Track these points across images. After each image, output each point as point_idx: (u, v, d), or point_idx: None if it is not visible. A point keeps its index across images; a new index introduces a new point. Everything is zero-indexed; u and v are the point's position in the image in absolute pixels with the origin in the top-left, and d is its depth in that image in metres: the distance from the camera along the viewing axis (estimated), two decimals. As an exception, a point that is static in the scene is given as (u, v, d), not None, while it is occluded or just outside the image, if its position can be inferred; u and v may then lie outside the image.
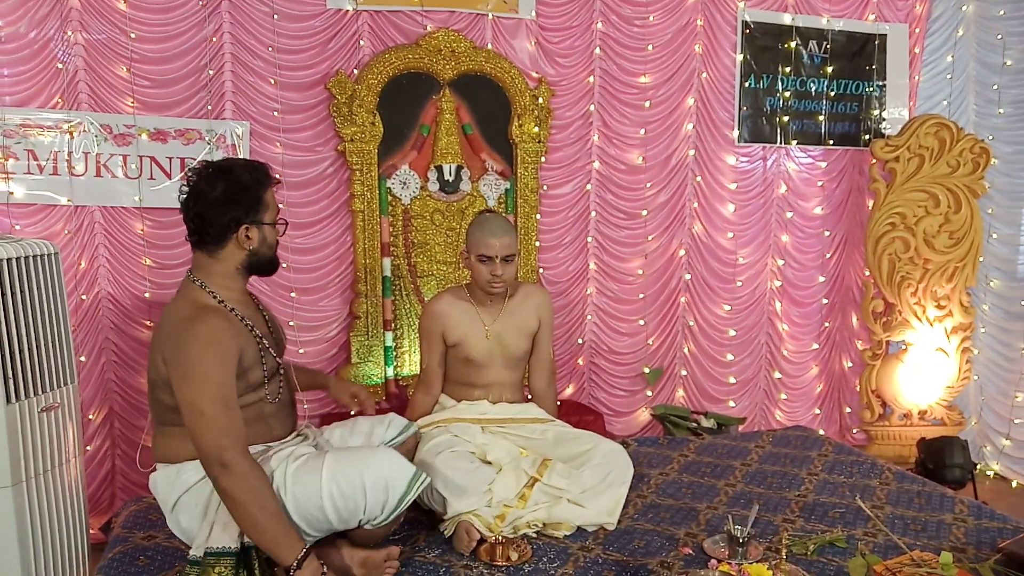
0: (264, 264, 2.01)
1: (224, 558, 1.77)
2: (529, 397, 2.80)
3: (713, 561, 1.96)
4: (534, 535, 2.17)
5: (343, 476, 1.83)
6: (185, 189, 1.92)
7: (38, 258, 2.26)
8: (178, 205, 3.20)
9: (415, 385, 2.68)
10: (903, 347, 4.24)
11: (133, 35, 3.13)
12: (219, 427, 1.74)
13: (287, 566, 1.73)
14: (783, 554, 1.90)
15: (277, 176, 2.06)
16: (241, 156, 3.29)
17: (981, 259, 4.24)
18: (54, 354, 2.31)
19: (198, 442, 1.75)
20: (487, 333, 2.58)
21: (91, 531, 3.16)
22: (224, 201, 1.88)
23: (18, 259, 2.24)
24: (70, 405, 2.44)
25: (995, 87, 4.27)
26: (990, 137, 4.25)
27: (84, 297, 3.18)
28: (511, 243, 2.51)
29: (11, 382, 2.12)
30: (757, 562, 1.91)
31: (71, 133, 3.08)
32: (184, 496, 1.87)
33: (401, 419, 2.35)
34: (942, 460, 3.74)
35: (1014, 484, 4.18)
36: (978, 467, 4.02)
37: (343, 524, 1.87)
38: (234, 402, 1.79)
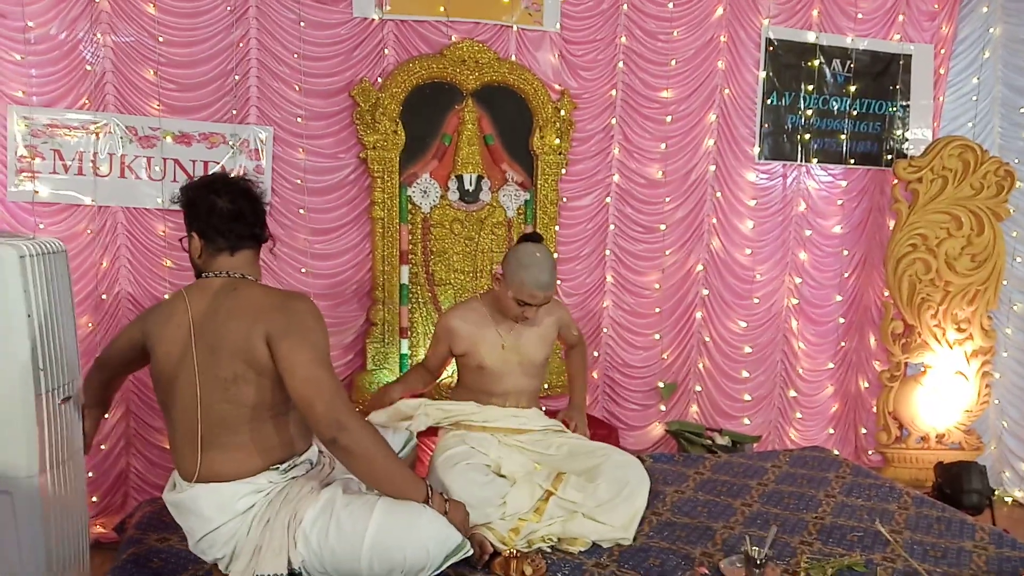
0: None
1: None
2: (543, 410, 2.79)
3: (729, 582, 1.93)
4: (549, 550, 2.15)
5: (387, 538, 1.80)
6: (244, 186, 1.99)
7: (47, 256, 2.28)
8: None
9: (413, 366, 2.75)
10: (922, 369, 4.20)
11: (161, 39, 3.16)
12: (332, 389, 1.79)
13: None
14: (801, 577, 1.88)
15: None
16: (264, 161, 3.32)
17: (1004, 282, 4.20)
18: (63, 351, 2.33)
19: (313, 406, 1.77)
20: (503, 344, 2.57)
21: (103, 530, 3.19)
22: (262, 205, 2.02)
23: (29, 256, 2.25)
24: (78, 399, 2.47)
25: (1022, 110, 4.23)
26: (1015, 160, 4.21)
27: (104, 296, 3.20)
28: (553, 290, 2.53)
29: (43, 374, 2.15)
30: (774, 584, 1.89)
31: (97, 134, 3.11)
32: (232, 522, 1.83)
33: (404, 431, 2.36)
34: (960, 485, 3.69)
35: (1032, 512, 4.13)
36: (996, 493, 3.96)
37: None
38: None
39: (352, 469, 1.86)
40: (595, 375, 4.02)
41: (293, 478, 1.93)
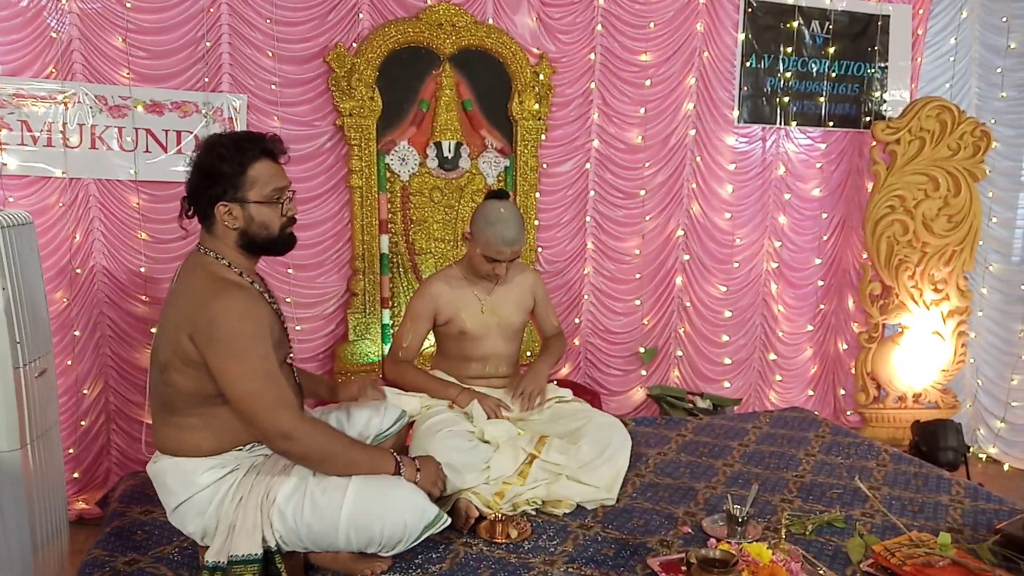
0: (262, 244, 1.87)
1: (250, 565, 1.73)
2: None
3: (712, 540, 1.96)
4: (533, 512, 2.17)
5: (364, 513, 1.78)
6: (206, 140, 1.86)
7: (15, 228, 2.25)
8: (173, 178, 3.23)
9: (386, 358, 2.62)
10: (899, 330, 4.25)
11: (128, 4, 3.07)
12: (271, 400, 1.73)
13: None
14: (782, 533, 1.91)
15: (281, 148, 1.89)
16: (239, 129, 3.25)
17: (981, 243, 4.25)
18: (35, 323, 2.31)
19: (253, 421, 1.74)
20: (482, 307, 2.58)
21: (85, 505, 3.18)
22: (203, 177, 1.82)
23: (1, 228, 2.22)
24: (52, 372, 2.46)
25: (999, 70, 4.25)
26: (992, 121, 4.24)
27: (79, 271, 3.15)
28: (521, 246, 2.51)
29: (19, 347, 2.13)
30: (756, 541, 1.91)
31: (65, 104, 3.03)
32: (197, 495, 1.80)
33: (395, 408, 2.32)
34: (936, 443, 3.77)
35: (1006, 467, 4.22)
36: (971, 450, 4.04)
37: (350, 550, 1.84)
38: (277, 372, 1.77)
39: (313, 469, 1.82)
40: (576, 341, 4.03)
41: (262, 455, 1.89)
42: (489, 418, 2.37)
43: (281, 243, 1.91)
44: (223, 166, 1.80)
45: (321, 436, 1.80)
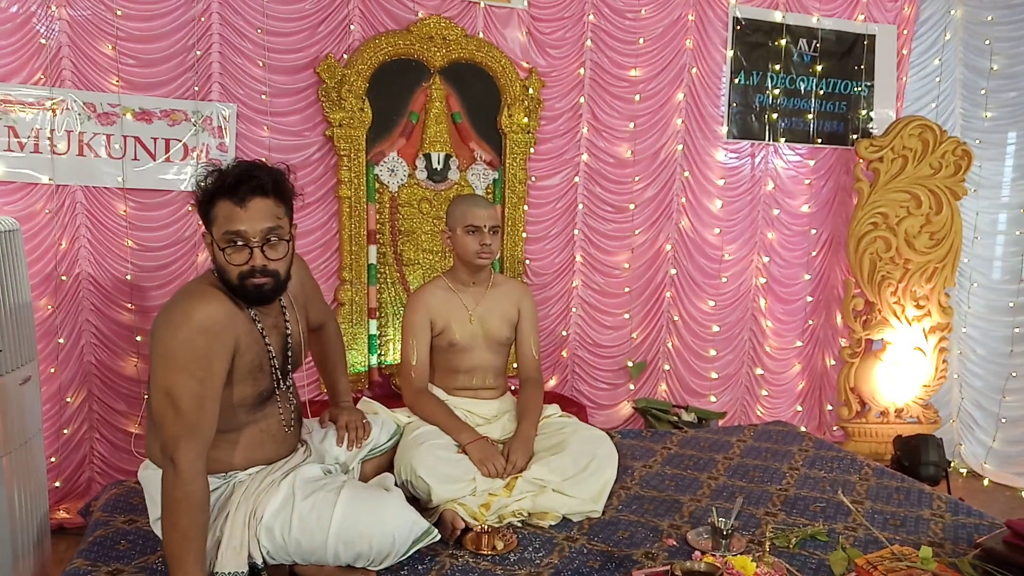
0: (227, 286, 1.78)
1: None
2: (513, 388, 2.80)
3: (697, 553, 1.96)
4: (519, 524, 2.17)
5: (352, 528, 1.77)
6: None
7: (1, 235, 2.24)
8: (161, 186, 3.23)
9: (402, 385, 2.59)
10: (882, 346, 4.29)
11: (119, 12, 3.07)
12: (168, 431, 1.68)
13: None
14: (766, 547, 1.92)
15: (251, 190, 1.73)
16: (228, 139, 3.25)
17: (965, 260, 4.31)
18: (19, 330, 2.30)
19: (161, 430, 1.70)
20: (470, 317, 2.57)
21: (67, 515, 3.14)
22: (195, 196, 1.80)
23: None
24: (35, 380, 2.45)
25: (983, 91, 4.31)
26: (977, 141, 4.30)
27: (64, 278, 3.13)
28: (496, 215, 2.58)
29: (3, 354, 2.12)
30: (740, 554, 1.92)
31: (54, 110, 3.02)
32: None
33: (391, 423, 2.35)
34: (917, 457, 3.80)
35: (986, 482, 4.25)
36: (952, 465, 4.08)
37: (338, 564, 1.82)
38: (211, 401, 1.71)
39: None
40: (564, 354, 4.04)
41: (247, 474, 1.89)
42: (484, 476, 2.28)
43: (240, 293, 1.78)
44: (200, 194, 1.77)
45: (181, 495, 1.66)
